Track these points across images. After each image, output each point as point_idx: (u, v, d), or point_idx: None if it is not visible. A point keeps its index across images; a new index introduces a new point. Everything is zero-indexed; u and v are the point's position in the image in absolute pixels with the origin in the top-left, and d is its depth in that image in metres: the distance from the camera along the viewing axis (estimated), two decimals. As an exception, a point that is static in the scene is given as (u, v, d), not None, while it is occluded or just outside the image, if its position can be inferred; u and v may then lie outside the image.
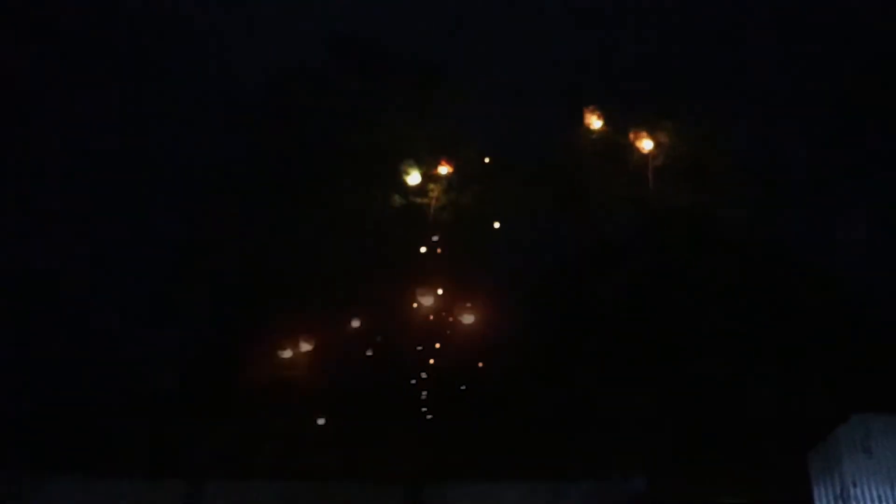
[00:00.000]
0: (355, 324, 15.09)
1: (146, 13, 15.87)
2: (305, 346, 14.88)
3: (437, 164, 16.75)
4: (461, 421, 14.21)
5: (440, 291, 15.25)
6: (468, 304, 15.14)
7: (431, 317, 15.19)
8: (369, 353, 14.97)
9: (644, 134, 16.01)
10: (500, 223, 16.27)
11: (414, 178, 16.85)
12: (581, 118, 16.35)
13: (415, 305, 15.27)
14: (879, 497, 13.17)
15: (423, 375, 14.85)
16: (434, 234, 16.01)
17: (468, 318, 15.04)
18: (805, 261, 14.39)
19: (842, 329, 13.98)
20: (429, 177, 16.76)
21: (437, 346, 15.09)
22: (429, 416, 14.56)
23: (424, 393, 14.77)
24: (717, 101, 15.85)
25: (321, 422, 14.50)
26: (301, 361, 14.87)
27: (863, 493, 13.27)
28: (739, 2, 16.19)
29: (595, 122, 16.33)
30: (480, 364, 15.01)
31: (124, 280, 15.38)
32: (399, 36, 16.70)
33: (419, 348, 14.97)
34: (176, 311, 15.33)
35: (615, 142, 16.21)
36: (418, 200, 16.61)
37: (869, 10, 14.77)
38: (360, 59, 16.74)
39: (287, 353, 14.90)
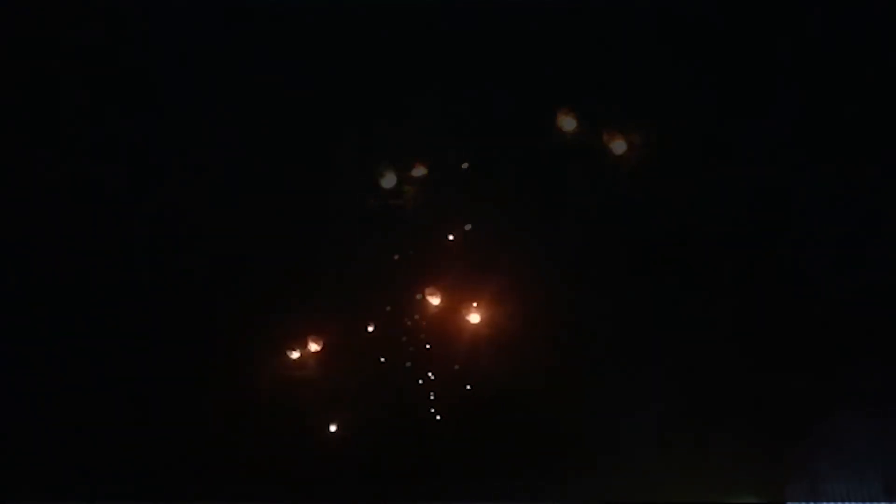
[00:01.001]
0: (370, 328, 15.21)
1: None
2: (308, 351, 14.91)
3: (412, 167, 16.67)
4: (462, 438, 14.52)
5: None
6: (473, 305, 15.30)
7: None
8: (382, 360, 15.05)
9: (619, 134, 16.11)
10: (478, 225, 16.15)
11: (389, 180, 16.77)
12: (555, 119, 16.35)
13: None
14: (849, 492, 14.23)
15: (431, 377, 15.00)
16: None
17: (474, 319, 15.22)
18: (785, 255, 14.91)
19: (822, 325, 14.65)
20: (404, 179, 16.67)
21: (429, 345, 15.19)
22: (437, 417, 14.75)
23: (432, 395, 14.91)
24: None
25: (333, 428, 14.60)
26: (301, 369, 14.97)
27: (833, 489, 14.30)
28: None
29: (569, 124, 16.27)
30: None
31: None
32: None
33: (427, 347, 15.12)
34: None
35: (590, 143, 16.24)
36: (392, 202, 16.52)
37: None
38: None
39: (289, 359, 14.90)
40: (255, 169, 15.66)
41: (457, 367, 14.98)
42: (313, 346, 15.09)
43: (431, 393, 14.98)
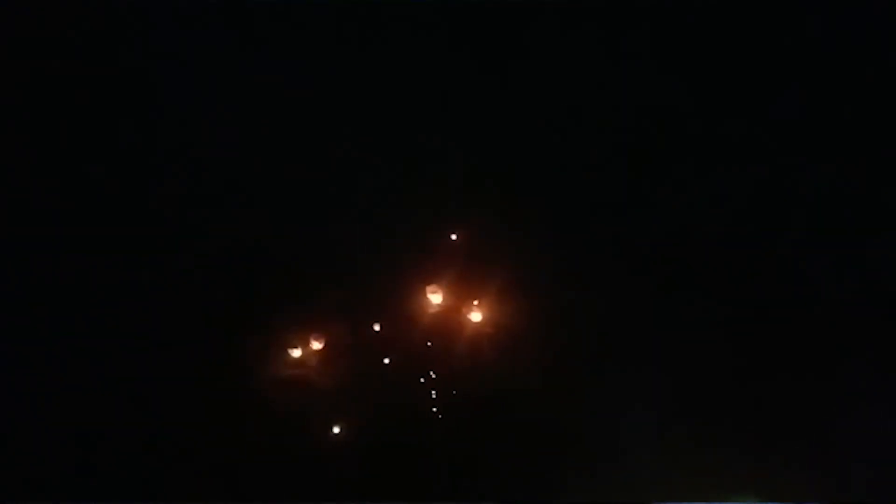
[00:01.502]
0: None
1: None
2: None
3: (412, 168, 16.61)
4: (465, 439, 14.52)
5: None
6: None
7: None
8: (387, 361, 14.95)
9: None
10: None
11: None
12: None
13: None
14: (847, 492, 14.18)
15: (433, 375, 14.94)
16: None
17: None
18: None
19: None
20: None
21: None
22: (440, 416, 14.69)
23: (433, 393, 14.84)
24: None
25: (336, 430, 14.56)
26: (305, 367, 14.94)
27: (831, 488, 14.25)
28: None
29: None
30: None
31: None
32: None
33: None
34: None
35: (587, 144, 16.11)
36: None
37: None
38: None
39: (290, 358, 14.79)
40: (255, 169, 15.63)
41: (457, 366, 14.95)
42: (315, 345, 15.07)
43: (433, 392, 14.97)
